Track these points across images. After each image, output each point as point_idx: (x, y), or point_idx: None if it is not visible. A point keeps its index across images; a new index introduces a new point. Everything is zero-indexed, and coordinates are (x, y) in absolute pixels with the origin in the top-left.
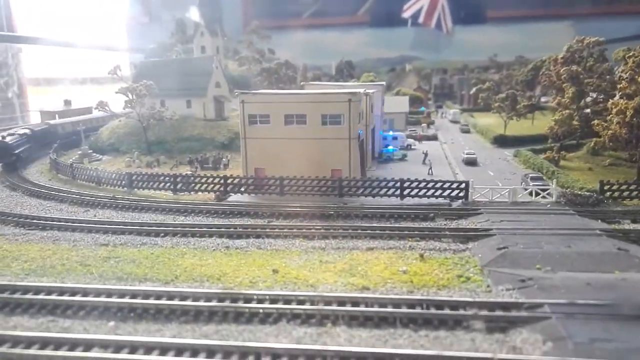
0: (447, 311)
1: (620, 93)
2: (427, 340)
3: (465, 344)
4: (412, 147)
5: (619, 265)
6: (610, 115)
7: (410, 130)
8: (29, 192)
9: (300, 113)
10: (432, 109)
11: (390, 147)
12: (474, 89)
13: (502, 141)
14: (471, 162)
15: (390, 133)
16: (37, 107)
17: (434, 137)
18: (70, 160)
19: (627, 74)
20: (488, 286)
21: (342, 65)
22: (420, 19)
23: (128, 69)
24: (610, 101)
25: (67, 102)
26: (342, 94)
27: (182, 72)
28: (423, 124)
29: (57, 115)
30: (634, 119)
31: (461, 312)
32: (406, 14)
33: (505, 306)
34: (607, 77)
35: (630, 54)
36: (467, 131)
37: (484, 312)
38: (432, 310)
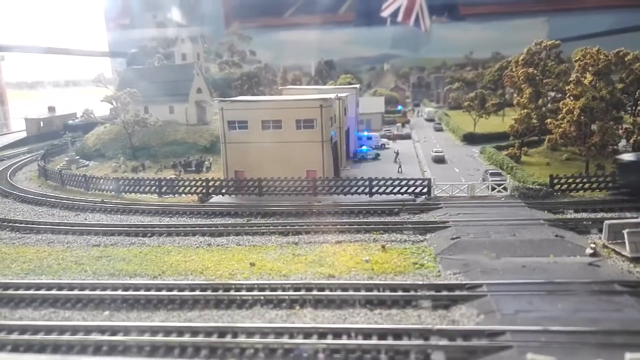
0: (399, 293)
1: (568, 94)
2: (380, 317)
3: (412, 319)
4: (386, 146)
5: (554, 250)
6: (561, 114)
7: (385, 130)
8: (20, 199)
9: (276, 118)
10: (409, 108)
11: (365, 147)
12: (445, 89)
13: (470, 139)
14: (439, 160)
15: (365, 133)
16: (21, 114)
17: (407, 136)
18: (58, 166)
19: (574, 76)
20: (439, 271)
21: (321, 66)
22: (399, 18)
23: (110, 73)
24: (561, 102)
25: (51, 109)
26: (314, 100)
27: (164, 79)
28: (398, 124)
29: (41, 123)
30: (581, 118)
31: (412, 293)
32: (385, 13)
33: (450, 287)
34: (564, 77)
35: (577, 57)
36: (440, 129)
37: (431, 293)
38: (387, 293)
